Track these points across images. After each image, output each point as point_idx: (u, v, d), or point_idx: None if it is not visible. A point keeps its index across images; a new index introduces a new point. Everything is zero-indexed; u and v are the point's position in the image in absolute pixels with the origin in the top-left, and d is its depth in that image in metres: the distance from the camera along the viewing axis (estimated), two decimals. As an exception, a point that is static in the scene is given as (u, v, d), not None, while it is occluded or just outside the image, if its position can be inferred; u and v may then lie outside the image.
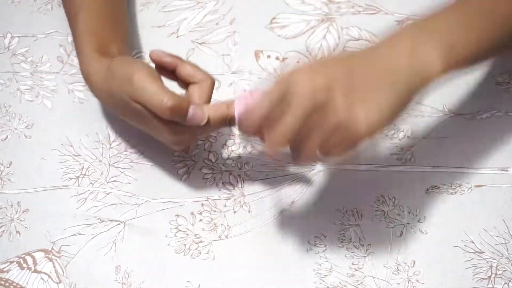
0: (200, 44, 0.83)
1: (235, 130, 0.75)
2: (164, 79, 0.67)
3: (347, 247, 0.70)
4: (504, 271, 0.69)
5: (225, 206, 0.73)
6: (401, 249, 0.70)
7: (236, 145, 0.76)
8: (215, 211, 0.73)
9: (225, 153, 0.76)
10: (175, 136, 0.66)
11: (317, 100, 0.55)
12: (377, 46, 0.59)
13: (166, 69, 0.67)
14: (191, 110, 0.63)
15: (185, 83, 0.67)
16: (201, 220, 0.72)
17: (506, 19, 0.60)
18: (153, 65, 0.68)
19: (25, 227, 0.72)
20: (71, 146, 0.77)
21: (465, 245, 0.70)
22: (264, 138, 0.59)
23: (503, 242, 0.70)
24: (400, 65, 0.57)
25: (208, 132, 0.71)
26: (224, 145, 0.76)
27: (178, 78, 0.68)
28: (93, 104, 0.79)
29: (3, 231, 0.72)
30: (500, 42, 0.61)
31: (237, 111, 0.63)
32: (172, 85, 0.67)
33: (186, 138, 0.67)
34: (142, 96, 0.63)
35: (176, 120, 0.63)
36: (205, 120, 0.63)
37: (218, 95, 0.79)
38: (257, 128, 0.58)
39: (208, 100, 0.67)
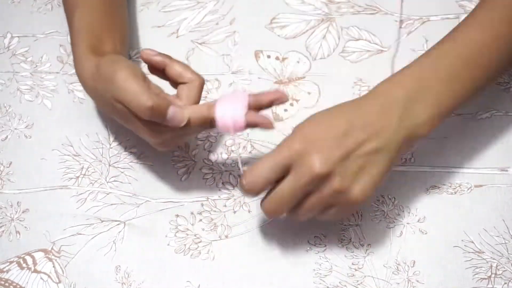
0: (200, 44, 0.83)
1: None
2: (157, 78, 0.67)
3: (347, 247, 0.70)
4: (504, 271, 0.69)
5: (225, 206, 0.73)
6: (401, 249, 0.70)
7: (236, 145, 0.76)
8: (215, 211, 0.73)
9: (225, 153, 0.76)
10: (156, 138, 0.66)
11: (318, 179, 0.60)
12: (370, 110, 0.62)
13: (157, 68, 0.67)
14: (170, 111, 0.62)
15: (175, 83, 0.67)
16: (201, 220, 0.72)
17: (487, 68, 0.65)
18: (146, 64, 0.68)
19: (25, 227, 0.72)
20: (71, 146, 0.77)
21: (465, 245, 0.70)
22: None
23: (503, 242, 0.70)
24: (392, 133, 0.62)
25: (191, 134, 0.70)
26: (224, 145, 0.76)
27: (168, 78, 0.67)
28: (93, 104, 0.79)
29: (3, 231, 0.72)
30: (481, 88, 0.66)
31: (217, 113, 0.64)
32: (164, 85, 0.67)
33: (168, 139, 0.66)
34: (123, 96, 0.62)
35: (155, 120, 0.63)
36: (184, 122, 0.63)
37: (218, 95, 0.79)
38: (259, 191, 0.63)
39: (197, 100, 0.66)
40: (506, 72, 0.78)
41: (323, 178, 0.60)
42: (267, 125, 0.64)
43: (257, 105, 0.64)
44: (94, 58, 0.68)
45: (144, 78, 0.65)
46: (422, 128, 0.63)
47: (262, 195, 0.64)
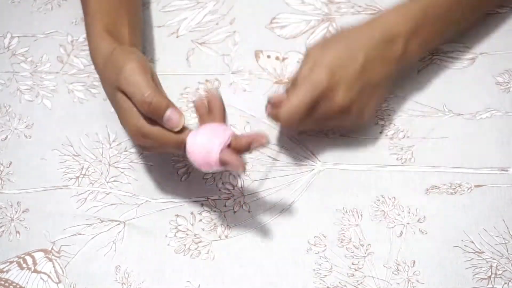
0: (200, 44, 0.83)
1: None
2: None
3: (347, 247, 0.70)
4: (504, 271, 0.69)
5: (225, 206, 0.73)
6: (401, 249, 0.70)
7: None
8: (215, 211, 0.73)
9: (225, 153, 0.76)
10: (139, 140, 0.66)
11: (341, 111, 0.70)
12: (379, 42, 0.71)
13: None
14: (168, 111, 0.63)
15: None
16: (201, 220, 0.72)
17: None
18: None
19: (25, 227, 0.72)
20: (71, 146, 0.77)
21: (465, 245, 0.70)
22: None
23: (503, 242, 0.70)
24: (394, 65, 0.72)
25: (168, 151, 0.69)
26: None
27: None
28: (93, 104, 0.79)
29: (3, 231, 0.72)
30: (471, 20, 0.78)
31: (189, 140, 0.64)
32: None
33: (149, 144, 0.66)
34: (128, 86, 0.64)
35: (152, 117, 0.64)
36: (179, 127, 0.64)
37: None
38: (295, 126, 0.71)
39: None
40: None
41: (344, 109, 0.69)
42: (237, 168, 0.63)
43: (235, 146, 0.64)
44: (110, 40, 0.69)
45: (152, 76, 0.65)
46: (414, 59, 0.74)
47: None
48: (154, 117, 0.64)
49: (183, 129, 0.65)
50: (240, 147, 0.64)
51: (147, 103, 0.63)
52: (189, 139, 0.64)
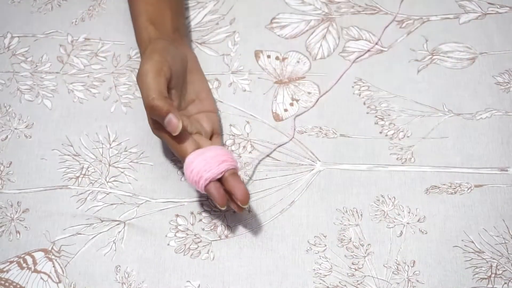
0: (200, 44, 0.83)
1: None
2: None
3: (347, 247, 0.70)
4: (504, 271, 0.69)
5: (225, 206, 0.73)
6: (401, 249, 0.70)
7: (236, 145, 0.76)
8: (215, 211, 0.73)
9: (225, 153, 0.76)
10: (155, 129, 0.69)
11: None
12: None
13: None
14: (168, 117, 0.65)
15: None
16: (201, 220, 0.72)
17: None
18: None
19: (25, 227, 0.72)
20: (71, 146, 0.77)
21: (465, 245, 0.70)
22: None
23: (503, 242, 0.70)
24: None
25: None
26: (224, 145, 0.76)
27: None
28: (93, 104, 0.79)
29: (3, 231, 0.72)
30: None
31: (187, 160, 0.67)
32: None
33: (163, 136, 0.69)
34: (139, 84, 0.68)
35: (155, 118, 0.67)
36: (176, 132, 0.66)
37: (218, 95, 0.79)
38: None
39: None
40: None
41: None
42: (217, 202, 0.66)
43: (224, 182, 0.67)
44: (152, 30, 0.74)
45: (166, 80, 0.68)
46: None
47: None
48: (156, 119, 0.67)
49: (196, 143, 0.68)
50: (225, 187, 0.67)
51: (149, 106, 0.66)
52: (187, 159, 0.67)
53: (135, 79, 0.80)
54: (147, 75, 0.67)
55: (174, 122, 0.65)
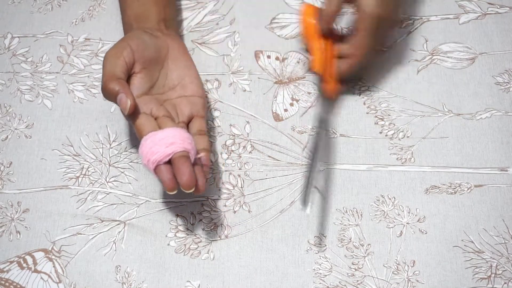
0: (200, 44, 0.83)
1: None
2: None
3: (347, 247, 0.71)
4: (504, 270, 0.69)
5: (225, 206, 0.73)
6: (401, 249, 0.70)
7: (236, 145, 0.76)
8: (215, 211, 0.73)
9: (225, 153, 0.76)
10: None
11: None
12: None
13: None
14: (118, 96, 0.67)
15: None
16: (201, 220, 0.72)
17: None
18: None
19: (25, 227, 0.72)
20: (71, 146, 0.77)
21: (464, 245, 0.70)
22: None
23: (503, 242, 0.70)
24: None
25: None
26: (224, 145, 0.76)
27: None
28: (93, 104, 0.79)
29: (3, 231, 0.72)
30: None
31: (141, 142, 0.67)
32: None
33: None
34: (104, 64, 0.69)
35: (108, 99, 0.69)
36: (126, 111, 0.66)
37: (218, 95, 0.79)
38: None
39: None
40: None
41: None
42: (165, 185, 0.66)
43: (172, 165, 0.66)
44: (135, 25, 0.75)
45: (126, 64, 0.69)
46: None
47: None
48: (110, 100, 0.69)
49: (154, 125, 0.68)
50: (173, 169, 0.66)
51: (102, 88, 0.68)
52: (142, 141, 0.67)
53: None
54: (106, 59, 0.69)
55: (123, 101, 0.66)
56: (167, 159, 0.65)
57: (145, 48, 0.71)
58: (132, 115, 0.68)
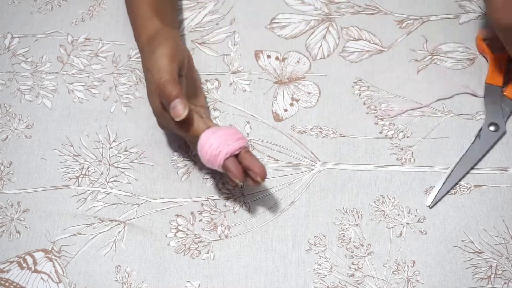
0: (200, 44, 0.83)
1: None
2: None
3: (347, 247, 0.71)
4: (504, 271, 0.69)
5: (225, 206, 0.73)
6: (401, 249, 0.70)
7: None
8: (215, 211, 0.73)
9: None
10: (159, 115, 0.70)
11: None
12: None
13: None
14: (173, 102, 0.66)
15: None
16: (201, 220, 0.72)
17: None
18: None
19: (25, 227, 0.72)
20: (71, 146, 0.77)
21: (464, 245, 0.70)
22: None
23: (503, 242, 0.70)
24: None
25: (182, 135, 0.72)
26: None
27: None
28: (93, 104, 0.79)
29: (3, 231, 0.72)
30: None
31: (204, 135, 0.68)
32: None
33: (169, 125, 0.70)
34: (153, 68, 0.68)
35: (162, 100, 0.67)
36: (180, 118, 0.66)
37: (218, 95, 0.79)
38: None
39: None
40: None
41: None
42: (235, 178, 0.67)
43: (241, 159, 0.68)
44: (157, 20, 0.74)
45: (178, 67, 0.69)
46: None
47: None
48: (164, 102, 0.67)
49: (206, 123, 0.69)
50: (242, 164, 0.67)
51: (159, 88, 0.67)
52: (204, 136, 0.67)
53: (135, 79, 0.80)
54: (160, 58, 0.68)
55: (180, 107, 0.66)
56: (237, 152, 0.67)
57: (183, 53, 0.72)
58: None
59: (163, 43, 0.70)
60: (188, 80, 0.73)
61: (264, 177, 0.67)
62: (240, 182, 0.67)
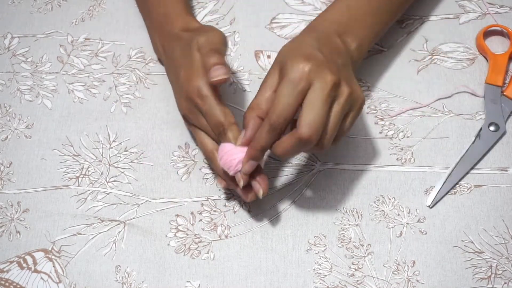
0: (200, 44, 0.83)
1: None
2: None
3: (347, 247, 0.71)
4: (504, 271, 0.69)
5: (225, 206, 0.73)
6: (401, 249, 0.70)
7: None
8: (215, 211, 0.73)
9: (225, 153, 0.76)
10: (199, 98, 0.68)
11: (336, 86, 0.63)
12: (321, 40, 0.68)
13: None
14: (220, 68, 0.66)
15: None
16: (201, 220, 0.72)
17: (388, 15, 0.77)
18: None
19: (25, 227, 0.72)
20: (71, 146, 0.77)
21: (464, 245, 0.70)
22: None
23: (503, 242, 0.70)
24: (339, 49, 0.69)
25: (207, 128, 0.70)
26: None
27: None
28: (93, 104, 0.79)
29: (3, 231, 0.72)
30: (385, 29, 0.78)
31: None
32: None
33: (196, 110, 0.68)
34: (207, 45, 0.68)
35: (210, 60, 0.67)
36: (223, 76, 0.65)
37: (218, 95, 0.79)
38: (286, 124, 0.63)
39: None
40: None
41: (337, 85, 0.63)
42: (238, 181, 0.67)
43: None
44: (194, 20, 0.75)
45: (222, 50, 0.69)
46: (357, 52, 0.71)
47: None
48: (216, 59, 0.66)
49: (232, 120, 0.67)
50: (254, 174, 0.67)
51: (210, 56, 0.66)
52: (229, 145, 0.66)
53: (135, 79, 0.80)
54: (216, 36, 0.69)
55: (223, 71, 0.66)
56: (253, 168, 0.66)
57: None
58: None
59: (217, 29, 0.70)
60: None
61: (265, 193, 0.66)
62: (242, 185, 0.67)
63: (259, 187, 0.66)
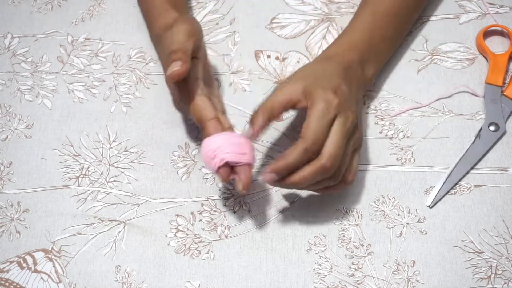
0: (200, 44, 0.83)
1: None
2: None
3: (347, 247, 0.71)
4: (504, 271, 0.69)
5: (225, 206, 0.73)
6: (401, 249, 0.70)
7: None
8: (215, 211, 0.73)
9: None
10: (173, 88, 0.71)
11: (354, 124, 0.67)
12: (337, 68, 0.71)
13: None
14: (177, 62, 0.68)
15: None
16: (201, 220, 0.72)
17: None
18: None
19: (25, 227, 0.72)
20: (71, 146, 0.77)
21: (464, 245, 0.70)
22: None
23: (503, 242, 0.70)
24: (359, 80, 0.72)
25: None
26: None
27: None
28: (93, 104, 0.79)
29: (3, 231, 0.72)
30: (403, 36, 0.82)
31: (204, 139, 0.67)
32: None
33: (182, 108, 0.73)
34: (168, 39, 0.70)
35: (173, 59, 0.68)
36: (179, 69, 0.67)
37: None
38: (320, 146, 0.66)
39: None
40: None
41: (355, 124, 0.67)
42: (224, 182, 0.69)
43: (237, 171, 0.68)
44: (174, 12, 0.75)
45: (194, 44, 0.70)
46: (372, 78, 0.75)
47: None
48: (182, 56, 0.68)
49: (215, 113, 0.69)
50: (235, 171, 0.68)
51: (172, 51, 0.68)
52: (212, 136, 0.67)
53: (135, 79, 0.80)
54: (177, 33, 0.69)
55: (177, 64, 0.67)
56: (236, 165, 0.66)
57: (201, 32, 0.73)
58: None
59: (183, 22, 0.71)
60: (204, 67, 0.73)
61: (245, 187, 0.66)
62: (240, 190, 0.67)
63: (239, 180, 0.67)
